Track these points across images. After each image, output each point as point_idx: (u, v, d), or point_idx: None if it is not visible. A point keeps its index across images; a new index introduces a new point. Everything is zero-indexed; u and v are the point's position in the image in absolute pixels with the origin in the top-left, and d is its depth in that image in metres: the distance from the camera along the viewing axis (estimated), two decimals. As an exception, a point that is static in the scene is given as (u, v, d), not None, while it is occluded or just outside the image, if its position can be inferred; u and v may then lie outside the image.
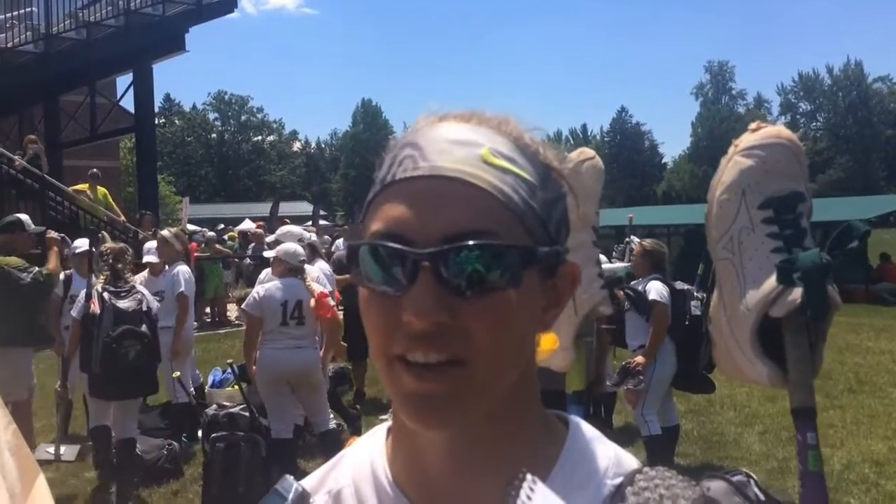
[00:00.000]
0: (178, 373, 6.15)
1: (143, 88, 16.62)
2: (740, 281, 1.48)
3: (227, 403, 6.23)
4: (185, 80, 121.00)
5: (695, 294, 5.50)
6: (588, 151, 1.85)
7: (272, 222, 18.95)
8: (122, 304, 5.23)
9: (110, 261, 5.49)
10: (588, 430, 0.74)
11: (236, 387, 6.69)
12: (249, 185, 71.27)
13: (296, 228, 8.07)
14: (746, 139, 1.55)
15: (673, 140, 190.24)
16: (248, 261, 16.24)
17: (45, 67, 15.44)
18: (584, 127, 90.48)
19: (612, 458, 0.70)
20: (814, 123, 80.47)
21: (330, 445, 5.48)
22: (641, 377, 5.39)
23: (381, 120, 78.66)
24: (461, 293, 0.61)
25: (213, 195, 66.77)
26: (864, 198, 26.76)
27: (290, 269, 5.55)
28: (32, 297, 5.77)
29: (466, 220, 0.62)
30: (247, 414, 5.80)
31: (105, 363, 5.06)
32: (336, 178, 77.21)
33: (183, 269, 6.89)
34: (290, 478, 0.63)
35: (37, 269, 5.83)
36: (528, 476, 0.56)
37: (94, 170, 13.76)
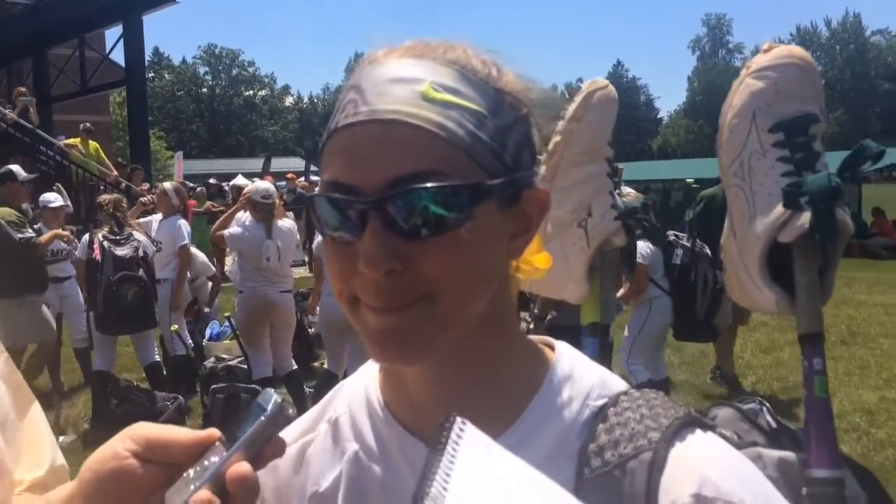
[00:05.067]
0: (176, 326, 6.20)
1: (134, 41, 16.38)
2: (750, 207, 1.47)
3: (225, 356, 6.27)
4: (175, 33, 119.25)
5: (681, 242, 5.50)
6: (600, 81, 1.81)
7: (264, 177, 18.83)
8: (120, 251, 5.82)
9: (110, 210, 5.99)
10: (574, 354, 0.74)
11: (233, 340, 6.74)
12: (241, 140, 70.69)
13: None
14: (758, 60, 1.52)
15: (669, 95, 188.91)
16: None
17: (34, 19, 15.19)
18: (579, 80, 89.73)
19: (597, 380, 0.70)
20: (810, 77, 79.68)
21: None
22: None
23: (375, 74, 77.74)
24: (411, 238, 0.61)
25: (205, 150, 66.23)
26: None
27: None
28: (21, 254, 5.85)
29: (407, 164, 0.60)
30: (245, 367, 5.86)
31: (107, 304, 5.79)
32: (329, 134, 76.66)
33: (183, 223, 6.88)
34: (269, 390, 0.62)
35: (31, 234, 5.93)
36: (457, 419, 0.55)
37: (87, 124, 13.59)
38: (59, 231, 6.49)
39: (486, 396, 0.69)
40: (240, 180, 16.64)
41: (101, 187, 12.33)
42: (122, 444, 0.62)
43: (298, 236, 6.02)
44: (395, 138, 0.61)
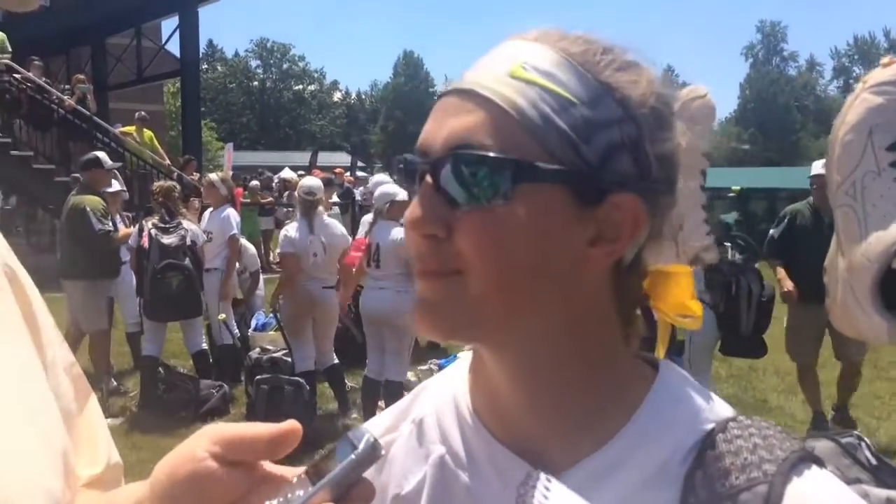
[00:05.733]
0: (224, 315, 6.27)
1: (189, 32, 16.64)
2: (861, 229, 1.39)
3: (270, 347, 6.32)
4: (228, 26, 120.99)
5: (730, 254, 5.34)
6: (700, 89, 1.75)
7: (311, 171, 18.98)
8: (166, 239, 5.95)
9: (160, 199, 6.13)
10: (679, 373, 0.70)
11: (278, 331, 6.79)
12: (289, 133, 71.42)
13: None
14: (876, 75, 1.44)
15: (720, 101, 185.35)
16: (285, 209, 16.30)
17: (92, 8, 15.50)
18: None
19: (703, 403, 0.66)
20: (868, 88, 77.74)
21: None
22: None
23: (423, 72, 77.94)
24: (453, 206, 0.61)
25: (254, 142, 67.06)
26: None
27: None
28: (95, 245, 6.13)
29: (465, 132, 0.61)
30: (289, 359, 5.90)
31: (153, 291, 5.97)
32: (375, 130, 76.99)
33: (232, 213, 6.96)
34: (362, 427, 0.60)
35: (111, 227, 6.17)
36: (542, 475, 0.53)
37: (142, 112, 13.86)
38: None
39: (578, 412, 0.66)
40: (286, 173, 16.81)
41: (156, 175, 12.54)
42: (200, 446, 0.58)
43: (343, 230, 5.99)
44: (462, 107, 0.62)
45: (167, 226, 6.03)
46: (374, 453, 0.57)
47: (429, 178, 0.63)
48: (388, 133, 73.04)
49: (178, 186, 6.51)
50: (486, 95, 0.61)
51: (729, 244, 5.20)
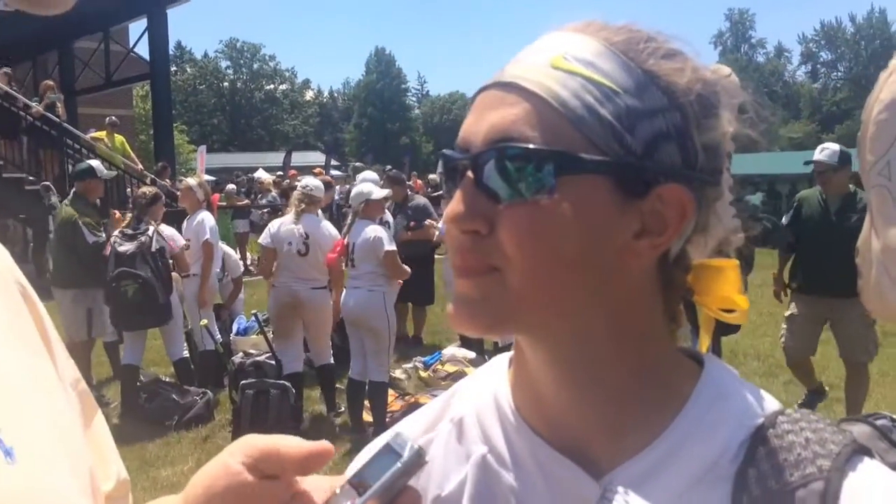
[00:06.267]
0: (206, 321, 6.21)
1: (158, 34, 16.43)
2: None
3: (253, 351, 6.27)
4: (196, 27, 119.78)
5: None
6: (724, 69, 1.73)
7: (286, 172, 18.85)
8: (122, 247, 5.85)
9: (141, 203, 6.16)
10: (724, 368, 0.69)
11: (260, 335, 6.74)
12: (262, 134, 70.89)
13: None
14: None
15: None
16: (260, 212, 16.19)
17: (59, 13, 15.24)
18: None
19: (751, 398, 0.65)
20: (834, 73, 78.89)
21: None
22: None
23: (395, 69, 77.69)
24: (495, 200, 0.60)
25: (226, 144, 66.49)
26: (886, 149, 26.10)
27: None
28: (89, 253, 6.15)
29: (507, 124, 0.60)
30: (273, 362, 5.85)
31: (109, 300, 5.91)
32: (349, 128, 76.64)
33: (207, 217, 6.89)
34: (403, 434, 0.58)
35: (103, 239, 6.16)
36: (620, 488, 0.52)
37: (113, 117, 13.68)
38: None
39: (624, 409, 0.65)
40: (261, 174, 16.68)
41: (129, 181, 12.39)
42: (234, 458, 0.57)
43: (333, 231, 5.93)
44: (504, 100, 0.61)
45: (134, 232, 5.96)
46: (419, 461, 0.56)
47: (470, 174, 0.62)
48: (363, 130, 72.78)
49: (147, 193, 6.44)
50: (528, 87, 0.60)
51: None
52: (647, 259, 0.63)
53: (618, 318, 0.64)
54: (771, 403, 0.65)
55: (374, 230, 5.44)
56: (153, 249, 5.88)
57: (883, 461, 0.62)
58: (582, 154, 0.59)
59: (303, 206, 5.74)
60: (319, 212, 5.99)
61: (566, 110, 0.59)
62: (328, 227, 5.89)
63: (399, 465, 0.55)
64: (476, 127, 0.62)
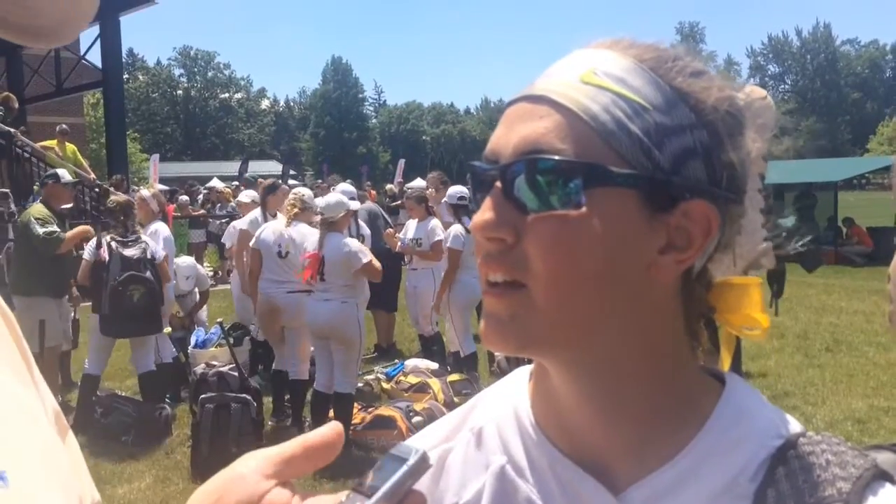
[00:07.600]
0: (169, 329, 6.17)
1: (111, 42, 16.14)
2: None
3: (215, 363, 6.17)
4: (149, 34, 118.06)
5: None
6: (758, 90, 1.74)
7: (241, 182, 18.66)
8: (128, 252, 5.80)
9: (120, 215, 6.05)
10: (746, 388, 0.69)
11: (220, 346, 6.64)
12: (217, 143, 70.15)
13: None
14: None
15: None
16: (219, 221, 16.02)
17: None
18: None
19: (773, 418, 0.65)
20: (782, 86, 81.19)
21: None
22: None
23: (352, 78, 77.61)
24: (523, 212, 0.60)
25: (180, 153, 65.61)
26: (830, 160, 26.95)
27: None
28: (42, 251, 6.05)
29: (534, 136, 0.60)
30: (236, 374, 5.76)
31: (113, 305, 5.71)
32: (306, 137, 76.22)
33: (161, 228, 6.81)
34: (405, 443, 0.59)
35: (56, 230, 6.05)
36: None
37: (63, 126, 13.35)
38: (87, 228, 6.59)
39: (645, 425, 0.65)
40: (215, 183, 16.48)
41: (81, 190, 12.11)
42: (247, 468, 0.55)
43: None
44: (534, 113, 0.62)
45: (126, 239, 5.91)
46: (424, 464, 0.57)
47: (498, 184, 0.62)
48: (319, 140, 72.45)
49: (133, 201, 6.41)
50: (558, 100, 0.61)
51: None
52: (671, 275, 0.63)
53: (642, 335, 0.64)
54: (793, 425, 0.66)
55: (347, 244, 5.43)
56: (148, 257, 5.90)
57: None
58: (611, 167, 0.59)
59: (295, 210, 5.92)
60: (315, 218, 5.94)
61: (596, 124, 0.60)
62: (313, 232, 5.78)
63: (406, 467, 0.56)
64: (506, 139, 0.63)
